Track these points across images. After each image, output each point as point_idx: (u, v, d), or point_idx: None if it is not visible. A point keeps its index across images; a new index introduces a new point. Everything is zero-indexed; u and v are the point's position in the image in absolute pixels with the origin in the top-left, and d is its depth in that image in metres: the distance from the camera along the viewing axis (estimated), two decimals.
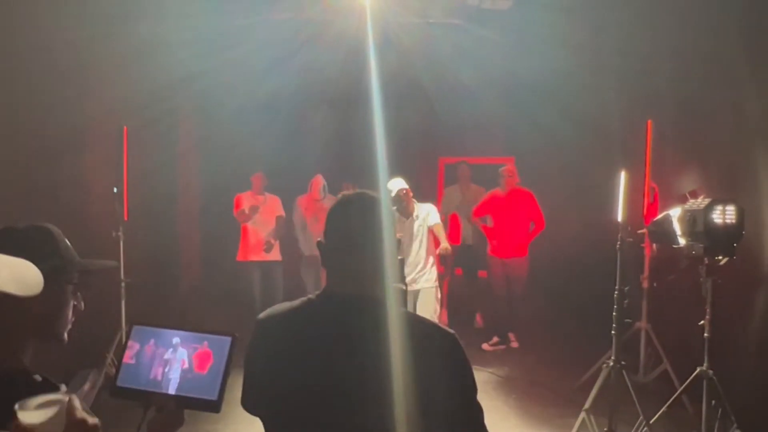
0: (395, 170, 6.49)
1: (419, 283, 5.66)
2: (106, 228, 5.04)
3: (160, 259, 7.00)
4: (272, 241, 6.94)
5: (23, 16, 4.25)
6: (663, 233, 4.34)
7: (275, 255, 7.05)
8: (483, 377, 5.98)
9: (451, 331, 1.57)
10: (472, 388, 1.54)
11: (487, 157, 8.76)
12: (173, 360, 1.65)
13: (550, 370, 6.13)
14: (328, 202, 7.17)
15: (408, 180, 5.90)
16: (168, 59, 5.78)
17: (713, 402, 4.06)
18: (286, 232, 7.18)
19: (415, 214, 5.68)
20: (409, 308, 5.64)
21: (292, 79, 7.53)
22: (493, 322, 7.18)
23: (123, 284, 5.07)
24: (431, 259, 5.72)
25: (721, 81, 4.97)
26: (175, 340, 1.67)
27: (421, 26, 7.86)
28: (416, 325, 1.58)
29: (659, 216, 4.43)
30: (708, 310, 4.06)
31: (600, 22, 6.69)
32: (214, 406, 1.59)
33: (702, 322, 4.09)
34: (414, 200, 5.75)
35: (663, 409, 4.24)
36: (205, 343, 1.64)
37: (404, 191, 5.59)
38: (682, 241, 4.17)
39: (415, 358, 1.45)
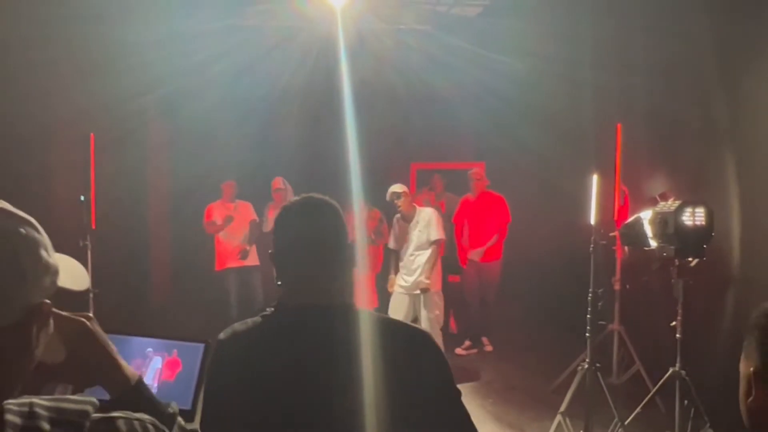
0: (367, 175, 6.48)
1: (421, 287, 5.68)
2: (73, 236, 4.91)
3: (130, 268, 6.86)
4: (247, 248, 6.89)
5: None
6: (634, 236, 4.39)
7: (253, 260, 7.00)
8: (457, 383, 5.97)
9: (425, 329, 1.55)
10: (453, 381, 1.51)
11: (458, 162, 8.78)
12: (146, 369, 1.59)
13: (525, 374, 6.15)
14: None
15: (380, 185, 5.90)
16: (136, 63, 5.68)
17: (686, 402, 4.11)
18: (261, 235, 7.11)
19: (414, 219, 5.68)
20: (412, 312, 5.74)
21: (263, 84, 7.48)
22: (466, 327, 7.19)
23: (91, 294, 4.94)
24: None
25: (690, 86, 5.05)
26: (149, 348, 1.61)
27: (392, 33, 7.89)
28: (389, 328, 1.52)
29: (630, 219, 4.48)
30: (680, 311, 4.12)
31: (568, 29, 6.78)
32: (187, 416, 1.54)
33: (674, 323, 4.15)
34: (414, 205, 5.75)
35: (638, 410, 4.28)
36: (174, 351, 1.59)
37: (395, 194, 5.63)
38: (653, 243, 4.22)
39: (395, 362, 1.42)
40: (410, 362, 1.44)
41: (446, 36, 7.87)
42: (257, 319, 1.52)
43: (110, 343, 1.20)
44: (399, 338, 1.49)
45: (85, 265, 4.89)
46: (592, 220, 4.18)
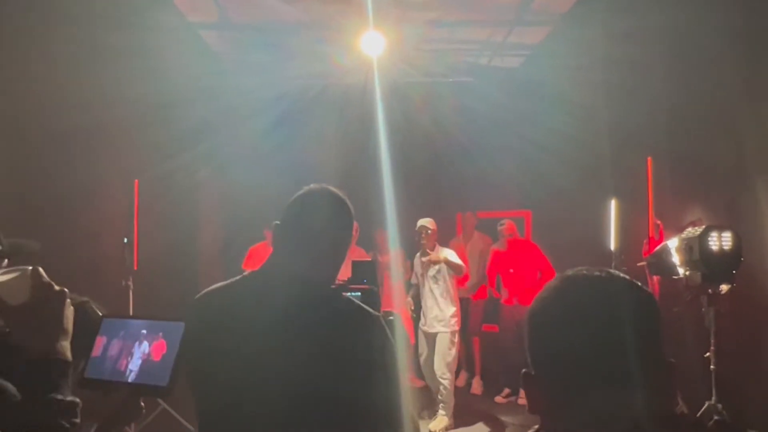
0: (410, 224, 6.52)
1: (436, 327, 5.62)
2: (117, 278, 5.15)
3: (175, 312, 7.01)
4: None
5: (36, 75, 4.46)
6: (662, 264, 4.29)
7: None
8: (496, 428, 5.86)
9: (376, 313, 1.58)
10: (395, 365, 1.54)
11: (504, 211, 8.70)
12: (135, 349, 1.65)
13: None
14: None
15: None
16: (181, 116, 6.05)
17: None
18: None
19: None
20: (426, 349, 5.73)
21: (302, 134, 7.77)
22: (506, 374, 6.87)
23: None
24: (450, 304, 5.67)
25: (723, 119, 4.93)
26: (144, 330, 1.67)
27: (430, 84, 8.10)
28: (350, 311, 1.57)
29: (657, 247, 4.38)
30: (713, 341, 3.96)
31: (605, 73, 6.74)
32: (163, 392, 1.58)
33: (707, 354, 3.98)
34: (436, 244, 5.74)
35: None
36: (160, 333, 1.65)
37: (425, 228, 5.66)
38: (681, 272, 4.11)
39: (341, 338, 1.49)
40: (357, 339, 1.51)
41: (487, 86, 8.00)
42: (232, 279, 1.64)
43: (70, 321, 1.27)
44: (347, 315, 1.55)
45: (126, 303, 5.13)
46: (612, 246, 4.11)
